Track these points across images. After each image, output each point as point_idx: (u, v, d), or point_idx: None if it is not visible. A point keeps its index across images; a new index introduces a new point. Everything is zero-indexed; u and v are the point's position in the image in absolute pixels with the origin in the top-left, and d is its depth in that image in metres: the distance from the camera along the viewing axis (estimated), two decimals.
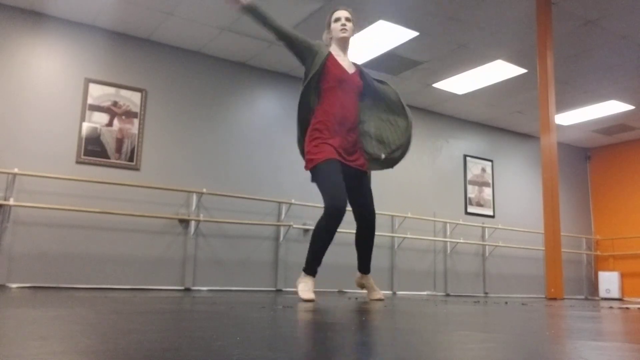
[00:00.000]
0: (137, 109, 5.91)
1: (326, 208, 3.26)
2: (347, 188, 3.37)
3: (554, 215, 4.74)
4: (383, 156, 3.49)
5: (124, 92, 5.86)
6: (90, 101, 5.67)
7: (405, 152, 3.54)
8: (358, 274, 3.74)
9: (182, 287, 5.84)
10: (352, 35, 3.49)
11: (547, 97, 4.88)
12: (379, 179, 7.54)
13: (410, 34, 5.79)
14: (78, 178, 5.38)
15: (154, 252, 5.77)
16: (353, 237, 7.37)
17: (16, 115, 5.32)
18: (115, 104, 5.80)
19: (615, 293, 9.01)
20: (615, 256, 9.57)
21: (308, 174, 7.19)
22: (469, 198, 8.49)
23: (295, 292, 3.60)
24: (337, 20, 3.45)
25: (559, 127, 8.65)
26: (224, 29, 5.81)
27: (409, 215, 7.57)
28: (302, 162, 7.20)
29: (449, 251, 8.02)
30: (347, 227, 7.08)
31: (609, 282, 9.12)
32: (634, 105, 7.84)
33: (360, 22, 5.59)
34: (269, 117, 6.79)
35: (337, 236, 7.41)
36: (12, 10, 5.43)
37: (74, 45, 5.69)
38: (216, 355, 1.01)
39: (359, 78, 3.47)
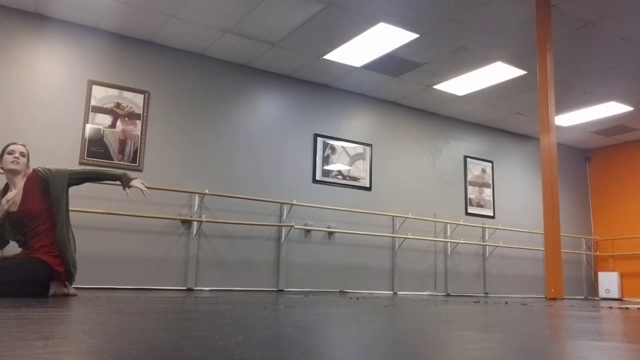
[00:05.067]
0: (140, 111, 5.92)
1: None
2: None
3: (553, 216, 4.75)
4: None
5: (127, 94, 5.88)
6: (93, 103, 5.68)
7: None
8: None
9: (185, 288, 5.86)
10: (24, 169, 3.73)
11: (547, 98, 4.89)
12: (379, 180, 7.56)
13: (410, 36, 5.81)
14: None
15: (156, 252, 5.79)
16: (353, 238, 7.40)
17: (19, 117, 5.34)
18: (118, 105, 5.82)
19: (615, 293, 9.01)
20: (615, 256, 9.58)
21: (309, 175, 7.25)
22: (470, 199, 8.49)
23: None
24: (11, 153, 3.70)
25: (559, 128, 8.65)
26: (226, 31, 5.82)
27: (410, 216, 7.58)
28: (303, 163, 7.23)
29: (449, 251, 8.03)
30: (346, 228, 7.11)
31: (608, 282, 9.11)
32: (633, 106, 7.85)
33: (361, 24, 5.61)
34: (270, 119, 6.80)
35: (338, 237, 7.48)
36: (16, 13, 5.45)
37: (77, 48, 5.71)
38: (218, 354, 1.03)
39: (29, 204, 3.66)
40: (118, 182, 3.98)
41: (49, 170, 3.78)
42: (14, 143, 3.78)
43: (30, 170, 3.78)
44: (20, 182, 3.70)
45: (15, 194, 3.66)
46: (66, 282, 3.74)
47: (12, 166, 3.67)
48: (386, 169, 7.66)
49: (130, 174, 4.12)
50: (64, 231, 3.67)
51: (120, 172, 3.98)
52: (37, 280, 3.54)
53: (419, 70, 6.73)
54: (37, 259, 3.56)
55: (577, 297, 9.32)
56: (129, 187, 3.91)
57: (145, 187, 3.97)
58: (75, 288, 4.41)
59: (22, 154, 3.73)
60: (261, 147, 6.68)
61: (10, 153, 3.69)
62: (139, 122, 5.90)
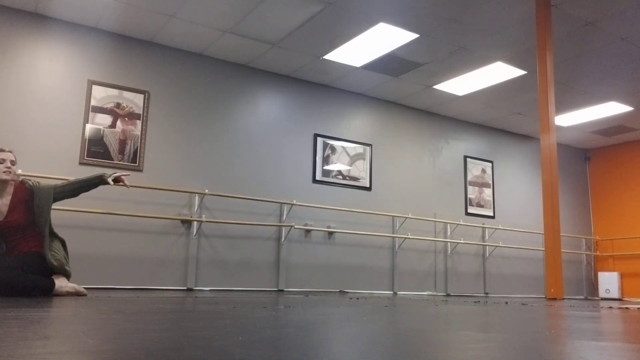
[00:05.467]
0: (140, 111, 5.92)
1: None
2: None
3: (553, 216, 4.75)
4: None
5: (127, 94, 5.88)
6: (93, 103, 5.68)
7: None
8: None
9: (185, 288, 5.86)
10: (15, 178, 3.69)
11: (547, 98, 4.89)
12: (379, 180, 7.56)
13: (410, 36, 5.81)
14: None
15: (156, 252, 5.79)
16: (353, 238, 7.39)
17: (20, 117, 5.34)
18: (118, 105, 5.82)
19: (615, 293, 9.01)
20: (615, 256, 9.58)
21: (309, 175, 7.24)
22: (470, 199, 8.49)
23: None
24: (2, 162, 3.61)
25: (559, 128, 8.65)
26: (226, 31, 5.82)
27: (410, 216, 7.58)
28: (303, 163, 7.23)
29: (449, 251, 8.03)
30: (346, 228, 7.11)
31: (608, 282, 9.12)
32: (633, 106, 7.85)
33: (361, 24, 5.61)
34: (270, 119, 6.80)
35: (338, 237, 7.47)
36: (16, 13, 5.45)
37: (77, 47, 5.71)
38: (218, 354, 1.03)
39: (16, 215, 3.62)
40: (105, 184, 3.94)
41: (38, 183, 3.72)
42: (2, 150, 3.65)
43: (19, 180, 3.71)
44: (8, 191, 3.62)
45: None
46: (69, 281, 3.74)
47: (4, 176, 3.57)
48: (386, 169, 7.66)
49: (130, 174, 4.12)
50: (47, 245, 3.62)
51: (99, 172, 3.88)
52: (38, 269, 3.54)
53: (419, 70, 6.73)
54: (31, 251, 3.56)
55: (577, 297, 9.32)
56: (114, 180, 3.83)
57: (125, 175, 3.91)
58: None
59: (12, 163, 3.64)
60: (261, 147, 6.68)
61: (1, 162, 3.59)
62: (139, 122, 5.90)
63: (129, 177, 3.99)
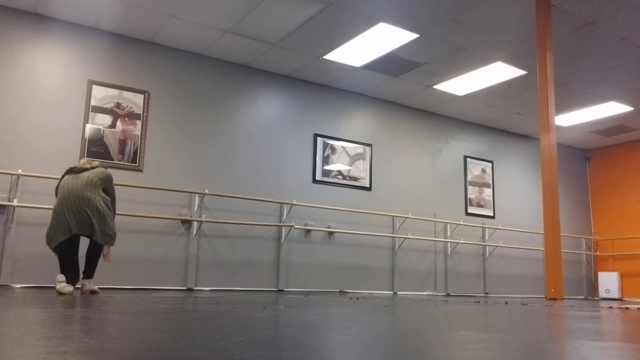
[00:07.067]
0: (140, 111, 5.92)
1: None
2: None
3: (553, 216, 4.75)
4: None
5: (127, 94, 5.88)
6: (93, 103, 5.68)
7: None
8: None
9: (185, 288, 5.86)
10: None
11: (547, 98, 4.89)
12: (379, 180, 7.56)
13: (410, 36, 5.81)
14: None
15: (156, 252, 5.79)
16: (353, 238, 7.38)
17: (20, 117, 5.34)
18: (118, 105, 5.82)
19: (615, 293, 9.01)
20: (615, 256, 9.58)
21: (309, 175, 7.23)
22: (470, 199, 8.50)
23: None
24: None
25: (559, 128, 8.65)
26: (226, 31, 5.82)
27: (410, 216, 7.58)
28: (303, 163, 7.22)
29: (449, 251, 8.03)
30: (346, 228, 7.11)
31: (608, 282, 9.12)
32: (633, 106, 7.85)
33: (361, 24, 5.61)
34: (270, 119, 6.80)
35: (338, 237, 7.46)
36: (16, 13, 5.45)
37: (77, 48, 5.71)
38: (219, 354, 1.03)
39: None
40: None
41: None
42: None
43: None
44: None
45: None
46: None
47: None
48: (386, 169, 7.66)
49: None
50: None
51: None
52: None
53: (419, 70, 6.73)
54: None
55: (577, 297, 9.32)
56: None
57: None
58: (76, 288, 4.41)
59: None
60: (261, 147, 6.68)
61: None
62: (139, 122, 5.90)
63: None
